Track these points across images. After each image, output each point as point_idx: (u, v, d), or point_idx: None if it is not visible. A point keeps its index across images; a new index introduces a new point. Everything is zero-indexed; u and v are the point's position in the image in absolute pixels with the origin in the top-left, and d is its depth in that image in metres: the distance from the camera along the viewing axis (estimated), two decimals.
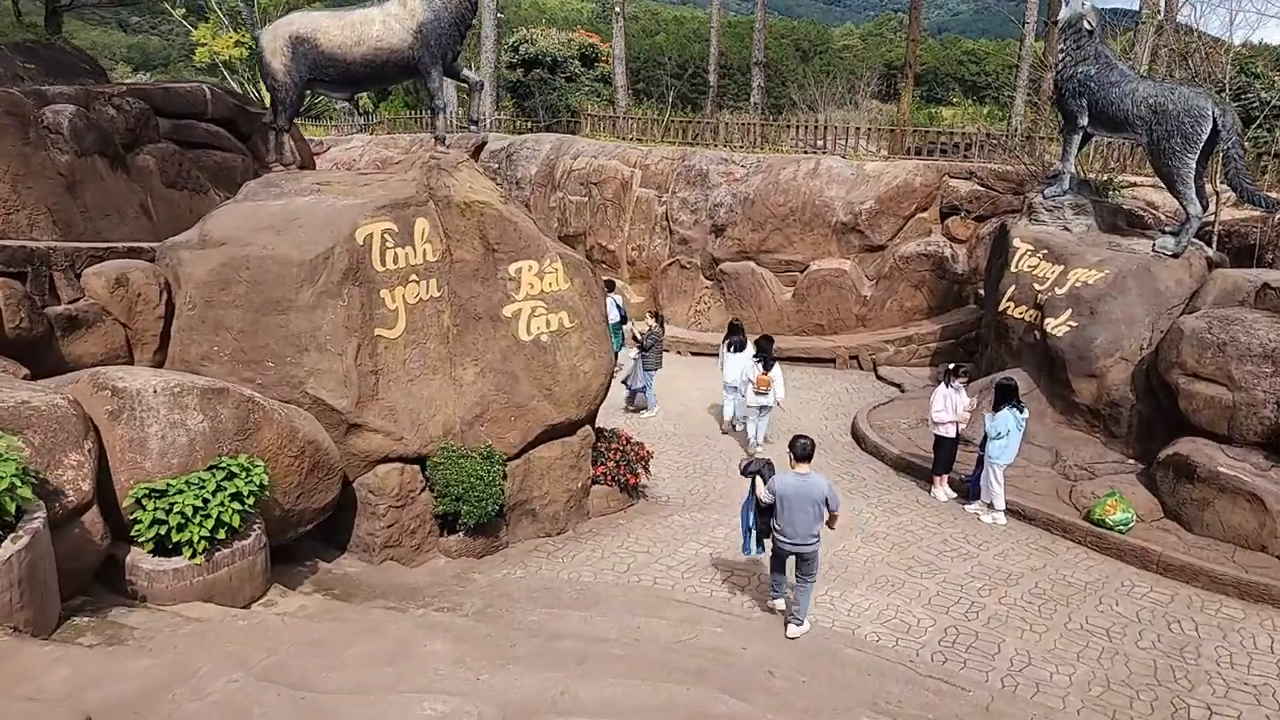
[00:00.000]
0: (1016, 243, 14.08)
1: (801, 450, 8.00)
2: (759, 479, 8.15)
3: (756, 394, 13.01)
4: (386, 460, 8.63)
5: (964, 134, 21.03)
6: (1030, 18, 23.77)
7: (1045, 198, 14.33)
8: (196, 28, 38.76)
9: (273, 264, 8.18)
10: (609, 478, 10.86)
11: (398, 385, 8.85)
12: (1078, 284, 12.78)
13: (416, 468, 8.98)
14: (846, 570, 9.80)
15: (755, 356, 13.07)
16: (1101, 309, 12.35)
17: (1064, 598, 9.37)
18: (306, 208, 8.76)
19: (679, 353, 20.17)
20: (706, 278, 21.23)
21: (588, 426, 10.41)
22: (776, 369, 12.99)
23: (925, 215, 19.43)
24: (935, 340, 18.24)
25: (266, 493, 6.80)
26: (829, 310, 19.43)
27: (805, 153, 21.94)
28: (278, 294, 8.15)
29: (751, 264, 20.32)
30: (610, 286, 20.64)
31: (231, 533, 6.32)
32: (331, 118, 39.14)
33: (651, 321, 15.58)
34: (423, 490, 9.01)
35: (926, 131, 21.90)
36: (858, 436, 14.29)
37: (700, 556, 9.98)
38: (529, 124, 29.32)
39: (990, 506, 11.28)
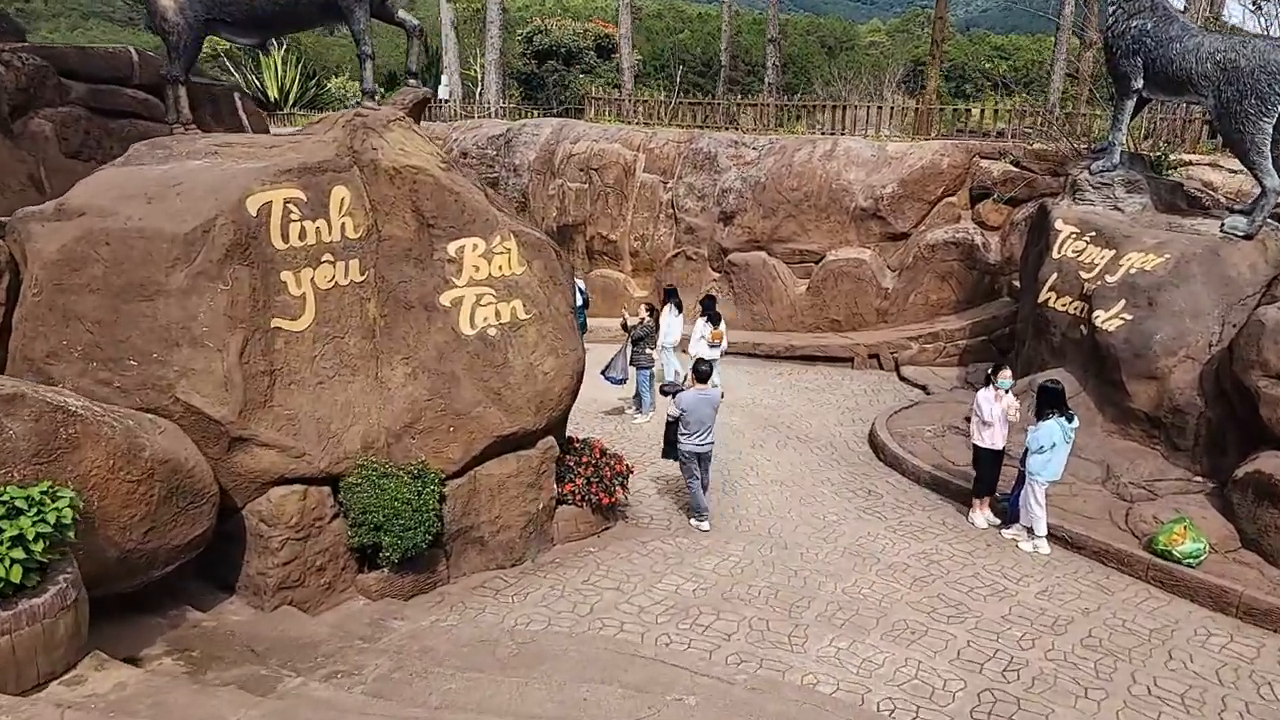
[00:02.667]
0: (1059, 225, 12.27)
1: (701, 374, 9.84)
2: (673, 397, 9.73)
3: (711, 346, 14.02)
4: (283, 482, 7.02)
5: (997, 111, 19.15)
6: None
7: (1092, 174, 12.51)
8: None
9: (138, 239, 6.60)
10: (578, 497, 9.20)
11: (302, 389, 7.24)
12: (1132, 270, 10.96)
13: (326, 490, 7.37)
14: (858, 612, 8.09)
15: (703, 315, 14.29)
16: (1162, 299, 10.53)
17: (1125, 650, 7.60)
18: (191, 173, 7.17)
19: (684, 351, 18.49)
20: (714, 269, 19.51)
21: (550, 437, 8.76)
22: (722, 324, 14.41)
23: (954, 200, 17.60)
24: (964, 337, 16.42)
25: (80, 531, 5.18)
26: (847, 304, 17.66)
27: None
28: (144, 276, 6.57)
29: (762, 254, 18.59)
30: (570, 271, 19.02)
31: (14, 589, 4.72)
32: (337, 109, 37.84)
33: (644, 313, 13.91)
34: (334, 518, 7.39)
35: (955, 109, 20.04)
36: (875, 446, 12.54)
37: (681, 594, 8.30)
38: (536, 113, 27.80)
39: (1030, 532, 9.51)
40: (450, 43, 32.31)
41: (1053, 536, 9.54)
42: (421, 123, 28.47)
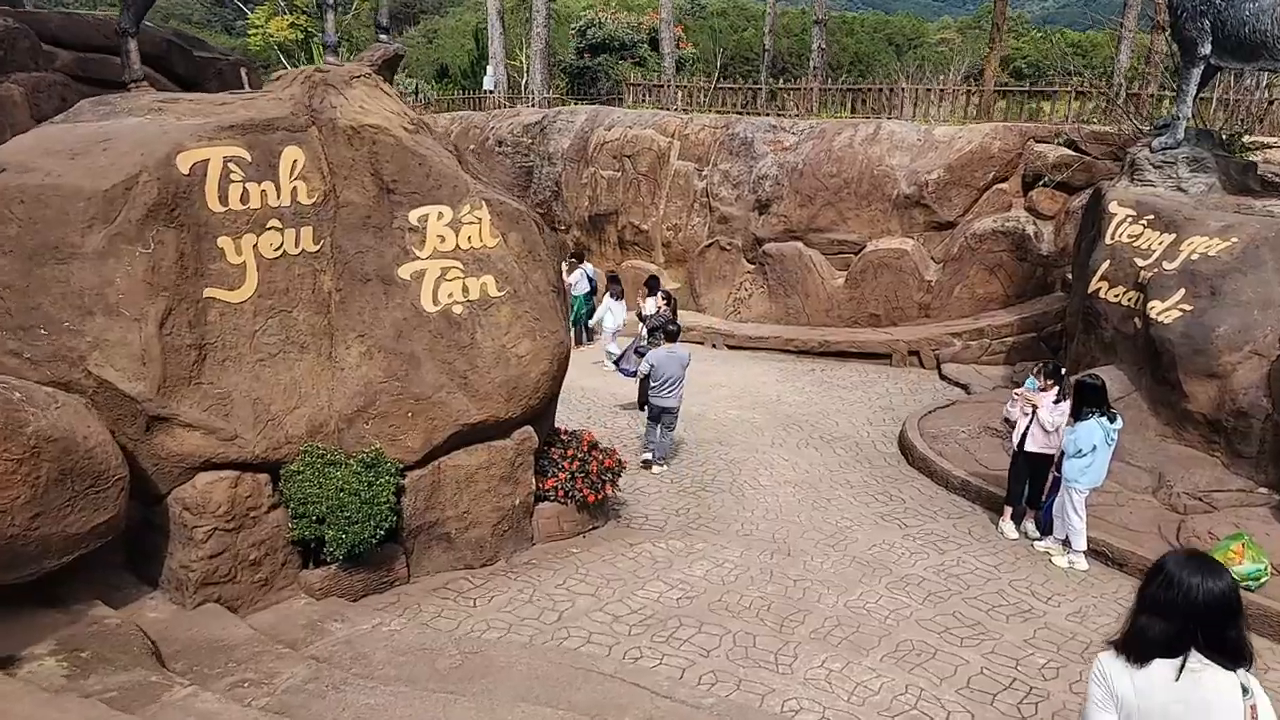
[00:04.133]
0: (1113, 207, 11.14)
1: (670, 335, 10.87)
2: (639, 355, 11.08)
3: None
4: (211, 467, 6.36)
5: (1060, 89, 17.89)
6: None
7: (1153, 151, 11.35)
8: (252, 10, 37.97)
9: (54, 196, 6.00)
10: (561, 493, 8.43)
11: (239, 366, 6.58)
12: (1194, 256, 9.82)
13: (264, 478, 6.69)
14: (859, 629, 7.17)
15: (650, 295, 14.48)
16: (1226, 288, 9.39)
17: None
18: (125, 129, 6.57)
19: (714, 346, 17.67)
20: (748, 261, 18.63)
21: (528, 428, 7.99)
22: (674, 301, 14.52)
23: (1004, 186, 16.44)
24: (1012, 333, 15.27)
25: None
26: (886, 298, 16.62)
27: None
28: (58, 236, 5.96)
29: (799, 244, 17.65)
30: (579, 258, 18.46)
31: None
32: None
33: (660, 301, 13.09)
34: (273, 508, 6.72)
35: (1012, 92, 18.80)
36: (904, 447, 11.55)
37: (663, 603, 7.47)
38: (577, 104, 27.17)
39: (1066, 545, 8.48)
40: (496, 33, 31.85)
41: (1092, 551, 8.51)
42: (462, 112, 27.97)
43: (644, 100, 24.05)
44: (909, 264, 16.36)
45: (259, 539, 6.62)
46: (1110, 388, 10.02)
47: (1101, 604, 7.75)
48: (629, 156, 20.27)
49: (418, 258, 7.24)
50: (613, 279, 16.51)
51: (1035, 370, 9.23)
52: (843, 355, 16.40)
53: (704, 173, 19.53)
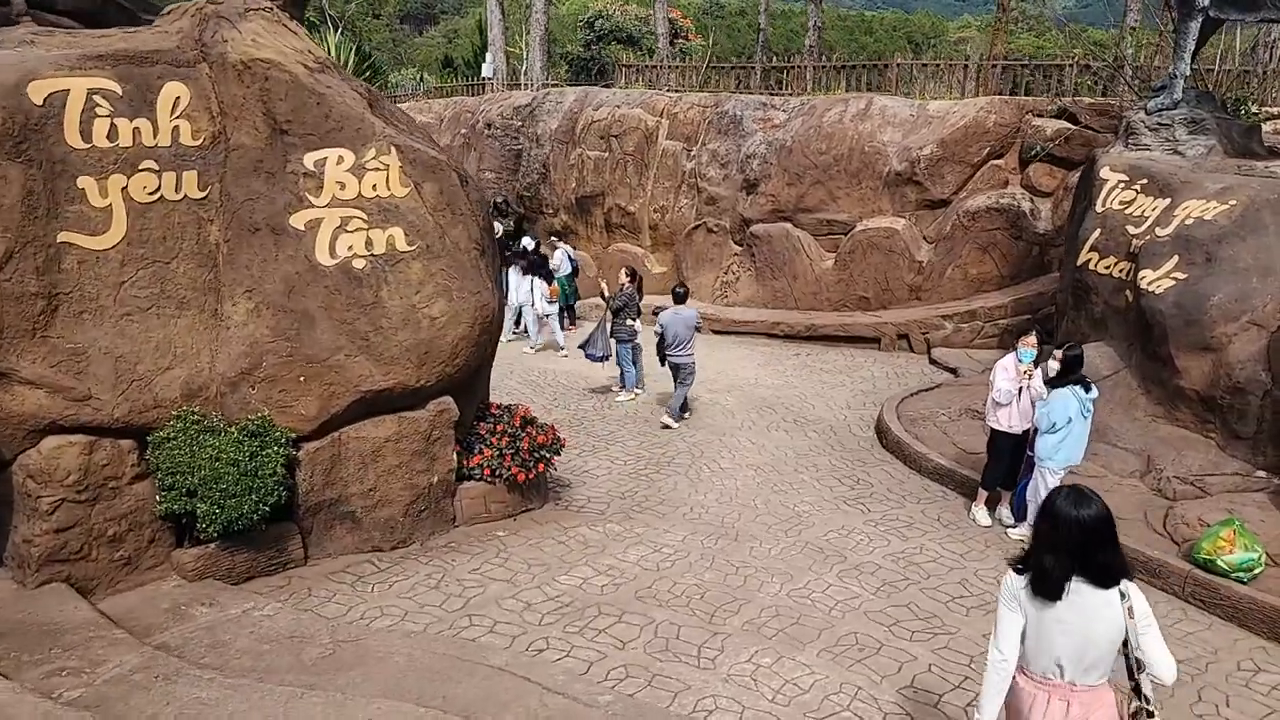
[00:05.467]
0: (1105, 173, 10.34)
1: (678, 297, 11.54)
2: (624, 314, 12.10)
3: (549, 303, 14.89)
4: (59, 430, 5.71)
5: (1064, 62, 17.02)
6: None
7: (1149, 113, 10.55)
8: None
9: None
10: (487, 471, 7.73)
11: (99, 320, 5.93)
12: (1188, 221, 9.01)
13: (128, 445, 6.03)
14: (798, 621, 6.43)
15: (537, 274, 14.87)
16: (1223, 254, 8.58)
17: None
18: None
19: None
20: (736, 243, 17.86)
21: (446, 399, 7.29)
22: (555, 281, 15.28)
23: (1000, 163, 15.58)
24: (1005, 315, 14.43)
25: None
26: (876, 279, 15.81)
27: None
28: None
29: (787, 225, 16.87)
30: (561, 236, 17.73)
31: None
32: (379, 88, 37.39)
33: (624, 279, 12.39)
34: (138, 478, 6.06)
35: (1012, 65, 17.93)
36: (880, 430, 10.79)
37: (586, 590, 6.76)
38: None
39: None
40: (495, 19, 31.25)
41: None
42: (453, 97, 27.31)
43: (637, 82, 23.32)
44: (899, 244, 15.55)
45: (120, 513, 5.95)
46: (1099, 365, 9.27)
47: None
48: (616, 136, 19.55)
49: (313, 205, 6.56)
50: (523, 253, 15.43)
51: (1026, 336, 8.22)
52: (831, 340, 15.63)
53: (693, 152, 18.80)
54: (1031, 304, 14.33)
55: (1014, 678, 3.79)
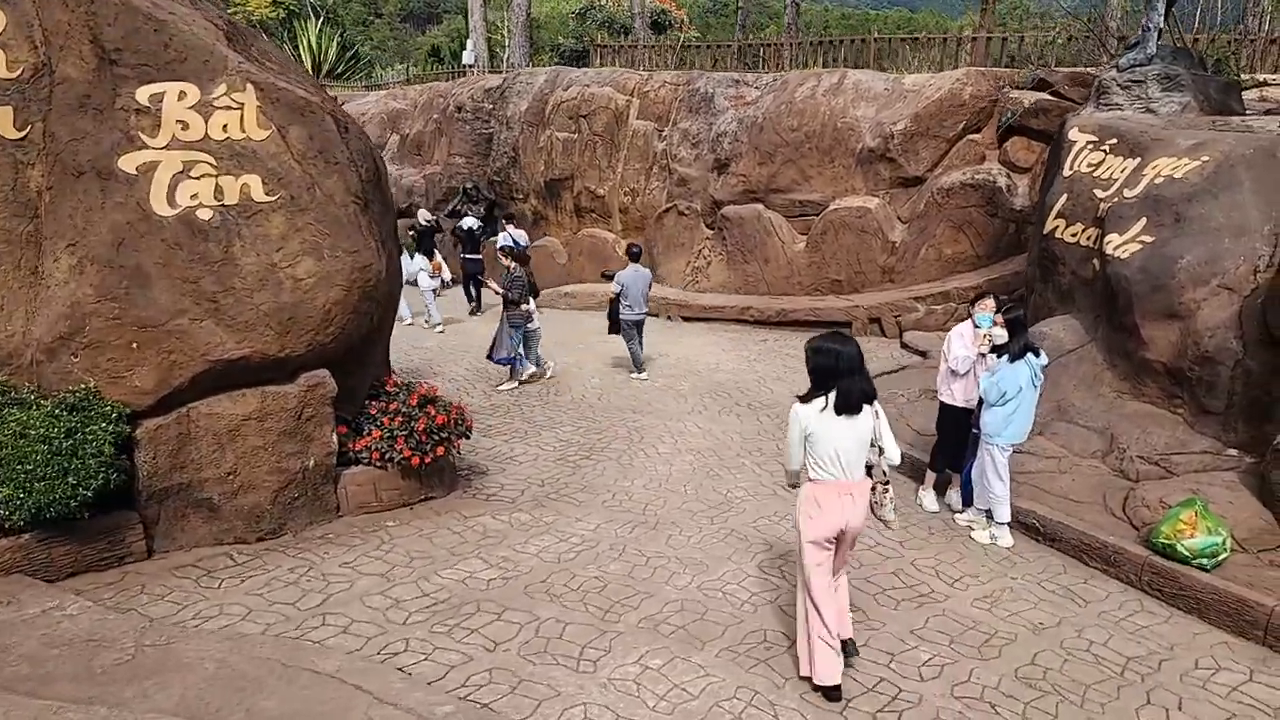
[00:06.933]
0: (1073, 135, 9.62)
1: (633, 255, 12.12)
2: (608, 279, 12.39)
3: (431, 277, 15.25)
4: None
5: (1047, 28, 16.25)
6: None
7: (1120, 70, 9.82)
8: None
9: None
10: (376, 455, 7.05)
11: None
12: (1158, 180, 8.28)
13: None
14: (703, 617, 5.74)
15: (419, 251, 15.56)
16: (1193, 213, 7.85)
17: (1079, 688, 5.09)
18: None
19: (669, 318, 16.26)
20: (708, 226, 17.16)
21: (323, 371, 6.61)
22: (437, 255, 15.99)
23: (977, 137, 14.83)
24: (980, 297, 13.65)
25: None
26: (848, 262, 15.08)
27: None
28: None
29: (758, 207, 16.15)
30: (510, 219, 17.14)
31: None
32: (364, 77, 36.89)
33: (507, 262, 11.58)
34: None
35: (993, 38, 17.15)
36: None
37: (470, 585, 6.07)
38: None
39: (989, 518, 7.00)
40: (476, 4, 30.62)
41: (1020, 525, 7.03)
42: (431, 84, 26.68)
43: (614, 63, 22.64)
44: (872, 224, 14.81)
45: None
46: (1063, 340, 8.57)
47: (1020, 587, 6.27)
48: (585, 116, 18.87)
49: (147, 146, 5.85)
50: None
51: (983, 299, 7.45)
52: (803, 325, 14.91)
53: (664, 132, 18.11)
54: (1008, 284, 13.54)
55: (814, 485, 4.81)
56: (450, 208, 20.76)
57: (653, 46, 21.95)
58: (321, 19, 37.45)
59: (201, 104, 5.96)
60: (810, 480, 4.82)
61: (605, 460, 8.79)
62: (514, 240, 16.21)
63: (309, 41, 34.34)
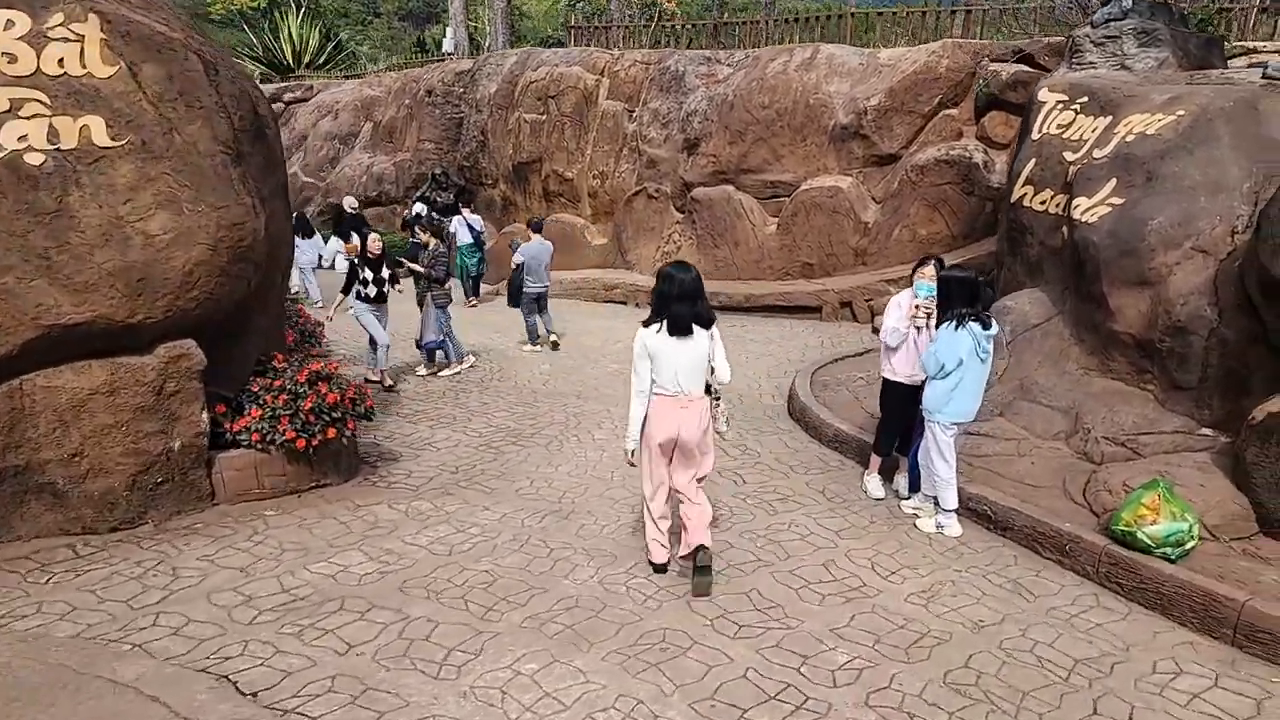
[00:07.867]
0: (1043, 95, 8.93)
1: (536, 227, 12.31)
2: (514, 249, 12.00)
3: (346, 259, 15.33)
4: None
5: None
6: None
7: (1094, 26, 9.12)
8: None
9: None
10: (257, 436, 6.37)
11: None
12: (1129, 138, 7.59)
13: None
14: (598, 615, 5.05)
15: (336, 234, 15.69)
16: (1165, 170, 7.15)
17: (1016, 696, 4.40)
18: None
19: (637, 305, 15.63)
20: (678, 209, 16.48)
21: (188, 341, 5.93)
22: (354, 238, 14.69)
23: (954, 112, 14.12)
24: None
25: None
26: (820, 243, 14.39)
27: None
28: None
29: (729, 188, 15.48)
30: (467, 201, 16.55)
31: None
32: (348, 68, 36.25)
33: (425, 237, 10.91)
34: None
35: (973, 10, 16.43)
36: (790, 397, 9.40)
37: (340, 580, 5.38)
38: None
39: (936, 505, 6.30)
40: None
41: (970, 511, 6.34)
42: (406, 71, 26.07)
43: (588, 44, 21.95)
44: (844, 204, 14.12)
45: None
46: (1029, 314, 7.90)
47: (963, 580, 5.57)
48: (553, 97, 18.19)
49: None
50: (300, 218, 14.99)
51: (923, 266, 6.73)
52: (771, 310, 14.26)
53: (635, 113, 17.44)
54: (984, 265, 12.78)
55: (655, 399, 5.23)
56: (419, 194, 20.13)
57: (627, 26, 21.25)
58: (303, 9, 36.85)
59: (32, 34, 5.28)
60: (654, 395, 5.23)
61: (532, 446, 8.12)
62: (469, 225, 15.56)
63: (289, 32, 33.74)
